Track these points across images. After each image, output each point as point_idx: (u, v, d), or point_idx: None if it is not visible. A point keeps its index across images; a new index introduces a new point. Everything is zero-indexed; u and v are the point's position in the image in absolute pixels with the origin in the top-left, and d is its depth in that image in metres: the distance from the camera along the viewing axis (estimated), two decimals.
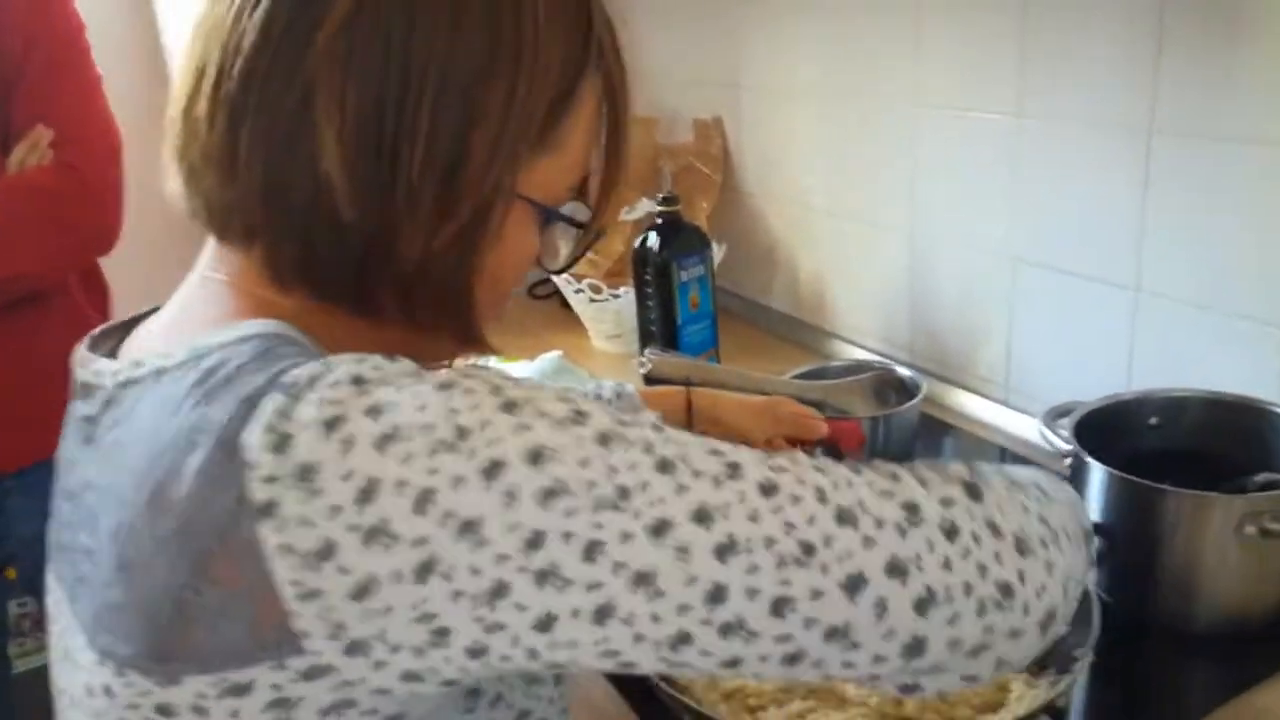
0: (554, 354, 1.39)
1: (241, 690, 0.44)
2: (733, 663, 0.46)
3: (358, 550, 0.41)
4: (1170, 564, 0.83)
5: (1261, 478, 0.83)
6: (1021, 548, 0.49)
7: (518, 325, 1.70)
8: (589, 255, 1.59)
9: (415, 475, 0.42)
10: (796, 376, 1.19)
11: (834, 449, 1.06)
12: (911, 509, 0.47)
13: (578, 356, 1.42)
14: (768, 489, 0.46)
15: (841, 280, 1.49)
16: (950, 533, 0.47)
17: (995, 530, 0.49)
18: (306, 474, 0.41)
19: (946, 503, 0.49)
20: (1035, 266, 1.18)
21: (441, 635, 0.43)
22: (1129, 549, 0.80)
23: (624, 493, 0.43)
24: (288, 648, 0.43)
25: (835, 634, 0.45)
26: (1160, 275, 1.05)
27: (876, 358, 1.36)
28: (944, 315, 1.32)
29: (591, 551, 0.42)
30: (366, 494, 0.41)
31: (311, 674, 0.43)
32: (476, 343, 0.57)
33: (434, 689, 0.46)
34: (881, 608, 0.45)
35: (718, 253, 1.47)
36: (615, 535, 0.43)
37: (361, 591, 0.42)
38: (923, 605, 0.46)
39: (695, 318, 1.39)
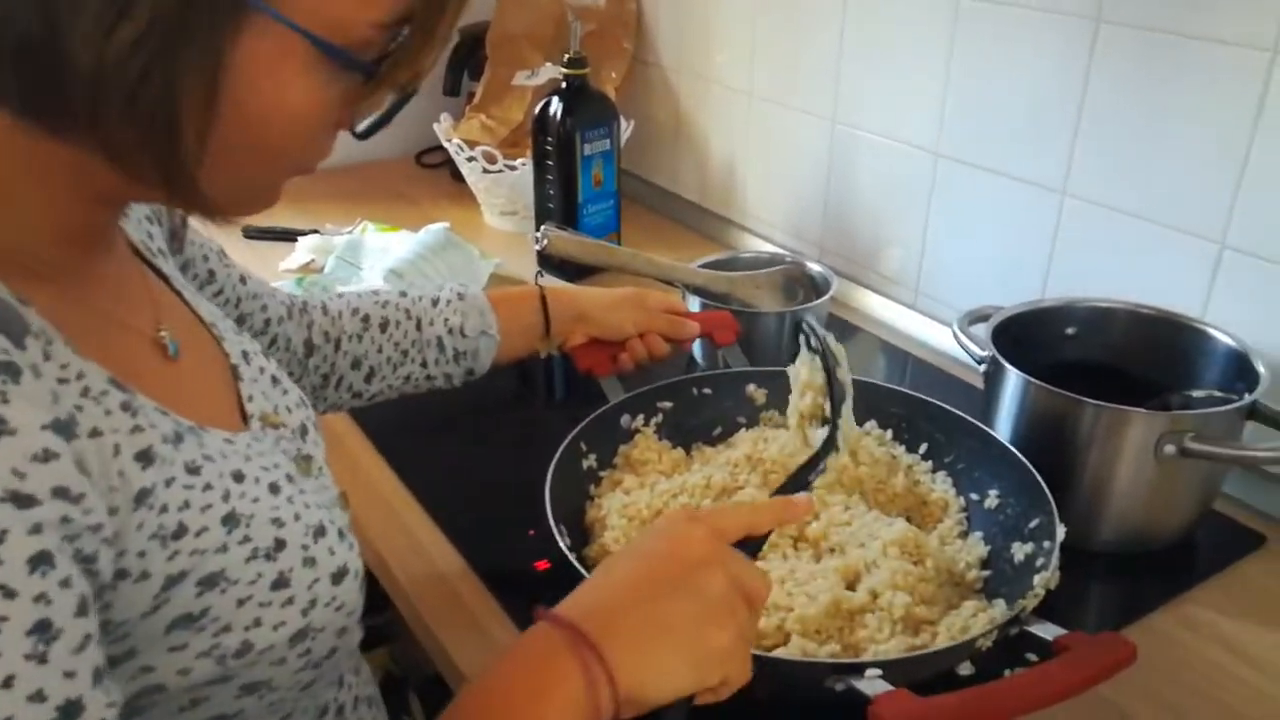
0: (440, 225, 1.26)
1: None
2: None
3: None
4: (1081, 478, 0.79)
5: (1199, 394, 0.79)
6: None
7: (401, 195, 1.56)
8: (483, 120, 1.48)
9: None
10: (703, 266, 1.12)
11: (709, 342, 0.98)
12: None
13: (467, 233, 1.30)
14: None
15: (754, 168, 1.40)
16: None
17: None
18: None
19: None
20: (958, 163, 1.11)
21: None
22: (1040, 461, 0.76)
23: None
24: None
25: None
26: (1090, 179, 0.99)
27: (785, 252, 1.28)
28: (858, 211, 1.25)
29: None
30: None
31: None
32: (189, 197, 0.45)
33: None
34: None
35: (625, 129, 1.36)
36: None
37: None
38: None
39: (598, 196, 1.28)
